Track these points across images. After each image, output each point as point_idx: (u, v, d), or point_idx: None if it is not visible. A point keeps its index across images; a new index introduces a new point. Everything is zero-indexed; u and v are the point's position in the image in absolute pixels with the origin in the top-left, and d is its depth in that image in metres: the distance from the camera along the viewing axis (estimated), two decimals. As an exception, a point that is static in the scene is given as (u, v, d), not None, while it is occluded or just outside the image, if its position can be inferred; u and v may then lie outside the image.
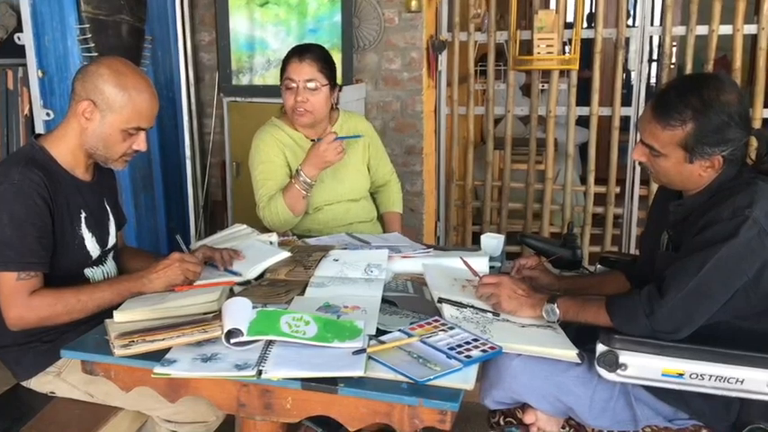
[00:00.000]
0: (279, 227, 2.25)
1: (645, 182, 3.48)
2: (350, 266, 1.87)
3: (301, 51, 2.30)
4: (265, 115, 2.47)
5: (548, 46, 3.41)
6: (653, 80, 4.34)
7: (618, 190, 3.58)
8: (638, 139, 1.60)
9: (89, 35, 2.73)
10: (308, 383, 1.32)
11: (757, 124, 3.21)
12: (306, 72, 2.25)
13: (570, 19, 4.02)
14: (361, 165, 2.46)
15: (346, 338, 1.42)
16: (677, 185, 1.60)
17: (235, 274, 1.85)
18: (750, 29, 3.22)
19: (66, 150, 1.71)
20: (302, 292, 1.72)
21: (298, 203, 2.24)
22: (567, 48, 3.61)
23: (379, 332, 1.49)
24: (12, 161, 1.67)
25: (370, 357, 1.37)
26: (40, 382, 1.73)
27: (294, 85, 2.25)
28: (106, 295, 1.64)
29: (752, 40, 3.49)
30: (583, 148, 4.19)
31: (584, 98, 3.54)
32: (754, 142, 1.57)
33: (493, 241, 2.06)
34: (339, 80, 3.29)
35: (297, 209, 2.25)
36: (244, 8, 3.42)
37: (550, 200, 3.70)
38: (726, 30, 3.24)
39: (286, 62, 2.30)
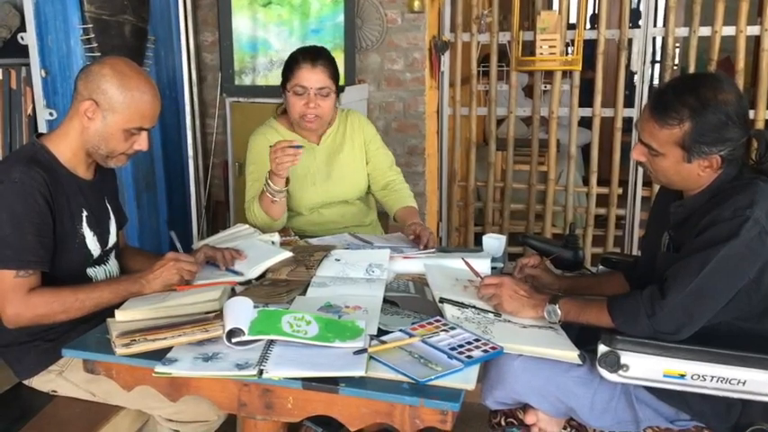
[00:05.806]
0: (261, 228, 2.19)
1: (647, 183, 3.47)
2: (351, 266, 1.87)
3: (313, 57, 2.21)
4: (267, 116, 2.45)
5: (550, 47, 3.41)
6: (656, 81, 4.33)
7: (620, 191, 3.58)
8: (637, 138, 1.60)
9: (92, 35, 2.73)
10: (309, 383, 1.32)
11: (760, 125, 3.21)
12: (319, 79, 2.19)
13: (573, 20, 4.02)
14: (359, 163, 2.40)
15: (347, 338, 1.42)
16: (676, 185, 1.60)
17: (236, 273, 1.85)
18: (753, 30, 3.21)
19: (67, 149, 1.71)
20: (304, 292, 1.73)
21: (270, 208, 2.18)
22: (569, 49, 3.61)
23: (381, 332, 1.49)
24: (13, 160, 1.67)
25: (371, 357, 1.37)
26: (42, 381, 1.73)
27: (305, 92, 2.19)
28: (104, 295, 1.64)
29: (755, 42, 3.48)
30: (585, 150, 4.18)
31: (586, 99, 3.53)
32: (755, 143, 1.56)
33: (495, 242, 2.06)
34: (342, 80, 3.31)
35: (271, 213, 2.19)
36: (246, 8, 3.43)
37: (552, 201, 3.69)
38: (729, 31, 3.23)
39: (295, 67, 2.20)
